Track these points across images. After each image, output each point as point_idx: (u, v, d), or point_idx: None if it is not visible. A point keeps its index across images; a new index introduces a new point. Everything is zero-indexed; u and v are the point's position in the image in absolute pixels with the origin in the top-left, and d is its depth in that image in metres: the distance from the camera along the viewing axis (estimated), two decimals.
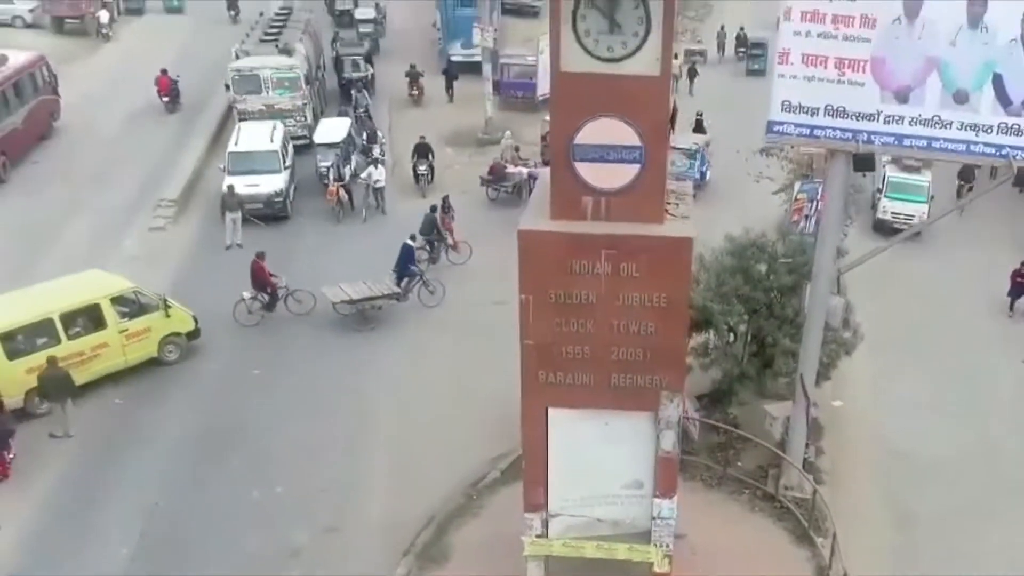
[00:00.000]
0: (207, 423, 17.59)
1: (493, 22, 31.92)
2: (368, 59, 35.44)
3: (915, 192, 26.03)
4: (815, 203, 19.43)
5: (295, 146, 27.98)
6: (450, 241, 23.46)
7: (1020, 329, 21.76)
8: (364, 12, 41.41)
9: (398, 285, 21.16)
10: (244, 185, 24.84)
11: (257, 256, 20.81)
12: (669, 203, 11.29)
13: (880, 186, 26.39)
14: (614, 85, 10.35)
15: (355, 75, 33.97)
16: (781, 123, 12.88)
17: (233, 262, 22.42)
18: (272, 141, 26.35)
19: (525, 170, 26.61)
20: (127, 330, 18.48)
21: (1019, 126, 12.12)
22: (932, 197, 26.05)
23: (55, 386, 16.77)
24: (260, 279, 20.58)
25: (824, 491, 14.53)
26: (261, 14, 36.25)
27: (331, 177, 26.04)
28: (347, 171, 26.53)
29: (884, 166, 26.01)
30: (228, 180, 24.89)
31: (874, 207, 26.42)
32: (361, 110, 31.95)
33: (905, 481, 16.09)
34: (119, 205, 25.92)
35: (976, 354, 20.14)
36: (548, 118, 27.24)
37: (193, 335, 19.60)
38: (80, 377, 17.58)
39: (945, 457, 16.56)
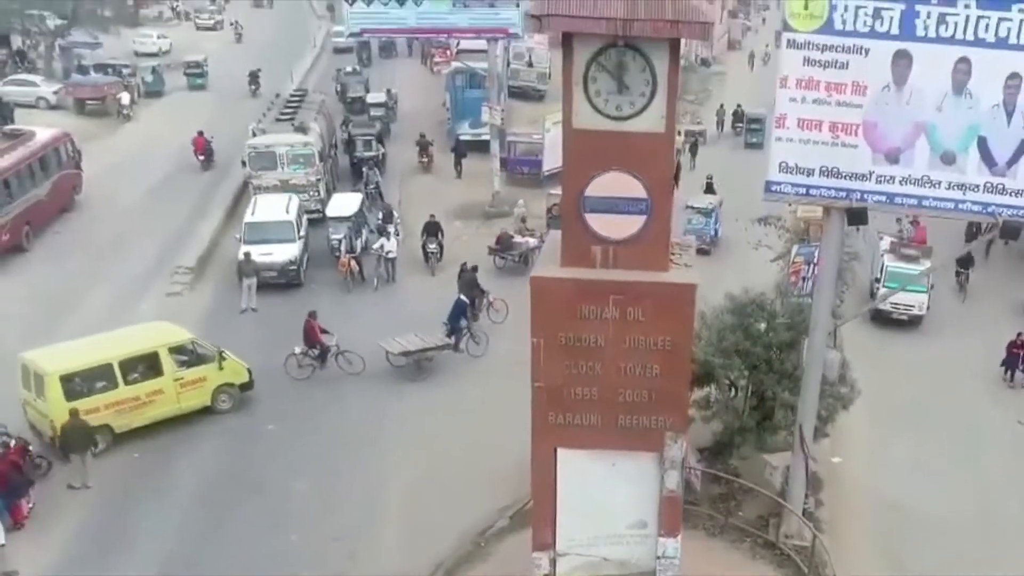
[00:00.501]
0: (227, 473, 18.03)
1: (501, 103, 33.21)
2: (379, 139, 36.57)
3: (914, 282, 25.00)
4: (812, 266, 20.09)
5: (308, 220, 28.74)
6: (490, 299, 24.20)
7: (1016, 395, 22.26)
8: (376, 97, 42.88)
9: (449, 337, 22.22)
10: (259, 254, 25.54)
11: (309, 315, 21.68)
12: (673, 254, 11.95)
13: (878, 276, 25.86)
14: (622, 141, 11.11)
15: (367, 154, 35.00)
16: (779, 183, 13.58)
17: (248, 325, 23.05)
18: (287, 212, 27.17)
19: (532, 240, 27.42)
20: (182, 379, 19.32)
21: (1003, 185, 12.83)
22: (932, 286, 25.76)
23: (76, 438, 17.24)
24: (311, 337, 21.40)
25: (823, 541, 14.86)
26: (277, 95, 37.69)
27: (343, 249, 26.81)
28: (358, 243, 27.32)
29: (882, 255, 26.06)
30: (244, 248, 25.67)
31: (873, 296, 25.53)
32: (372, 187, 32.92)
33: (903, 535, 16.42)
34: (137, 272, 26.67)
35: (973, 417, 20.62)
36: (553, 192, 28.69)
37: (247, 387, 20.36)
38: (134, 421, 18.65)
39: (942, 514, 16.92)
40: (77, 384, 18.16)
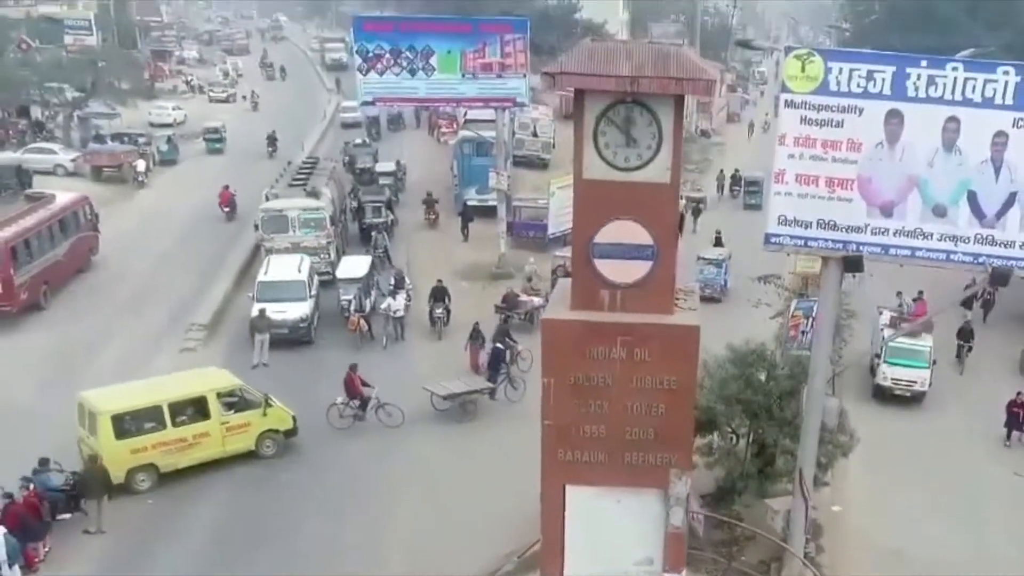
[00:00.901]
0: (240, 519, 18.45)
1: (507, 169, 34.18)
2: (388, 206, 37.32)
3: (916, 357, 25.01)
4: (810, 320, 20.63)
5: (319, 281, 29.30)
6: (518, 349, 24.84)
7: (1015, 453, 22.64)
8: (385, 166, 43.77)
9: (490, 382, 23.67)
10: (272, 311, 26.14)
11: (350, 368, 22.44)
12: (678, 299, 12.49)
13: (879, 351, 25.43)
14: (630, 191, 11.72)
15: (376, 220, 35.65)
16: (778, 235, 14.21)
17: (260, 380, 23.43)
18: (299, 272, 27.88)
19: (537, 300, 28.11)
20: (228, 423, 20.19)
21: (993, 236, 13.46)
22: (934, 362, 25.40)
23: (93, 484, 17.62)
24: (352, 389, 22.10)
25: None
26: (289, 162, 38.74)
27: (352, 308, 27.41)
28: (368, 303, 27.91)
29: (882, 330, 25.80)
30: (258, 305, 26.28)
31: (873, 372, 25.54)
32: (380, 251, 33.62)
33: None
34: (151, 329, 27.30)
35: (972, 472, 20.98)
36: (559, 253, 29.28)
37: (291, 433, 21.11)
38: (180, 462, 19.53)
39: (942, 560, 17.20)
40: (127, 423, 19.12)
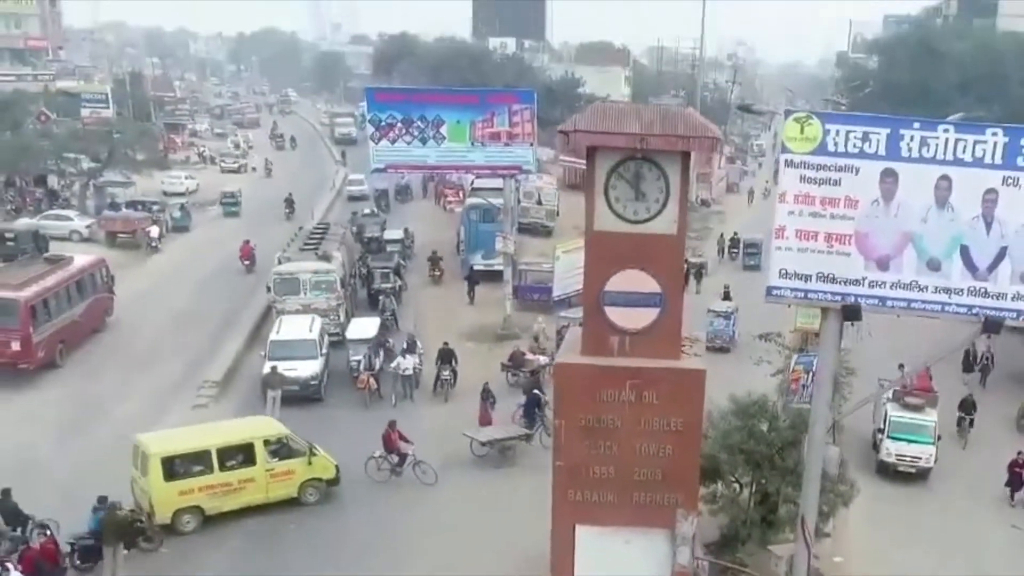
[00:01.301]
0: (253, 569, 18.75)
1: (512, 234, 35.00)
2: (397, 272, 37.98)
3: (921, 432, 24.38)
4: (810, 374, 21.05)
5: (329, 342, 29.91)
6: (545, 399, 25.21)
7: (1018, 512, 22.90)
8: (393, 233, 44.46)
9: (527, 428, 24.44)
10: (283, 369, 26.64)
11: (389, 425, 22.89)
12: (684, 345, 13.07)
13: (882, 426, 24.87)
14: (638, 242, 12.44)
15: (384, 286, 36.24)
16: (779, 288, 14.70)
17: None
18: (311, 331, 28.55)
19: (543, 358, 28.71)
20: (273, 470, 20.89)
21: (986, 289, 13.99)
22: (939, 437, 24.70)
23: (113, 532, 17.93)
24: (389, 445, 22.56)
25: None
26: (301, 228, 39.63)
27: (362, 367, 27.92)
28: (377, 363, 28.42)
29: (884, 404, 25.07)
30: (271, 363, 26.82)
31: (876, 448, 25.02)
32: (387, 314, 34.20)
33: None
34: (164, 386, 27.83)
35: (974, 529, 21.21)
36: (563, 315, 29.88)
37: (333, 482, 21.73)
38: (225, 505, 20.27)
39: None
40: (177, 466, 19.98)
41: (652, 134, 11.82)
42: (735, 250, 48.22)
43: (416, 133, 31.36)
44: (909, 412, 24.75)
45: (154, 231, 44.96)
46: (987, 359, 31.01)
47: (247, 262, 40.94)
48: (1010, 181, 13.87)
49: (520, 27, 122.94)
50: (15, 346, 27.58)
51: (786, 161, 14.50)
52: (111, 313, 33.73)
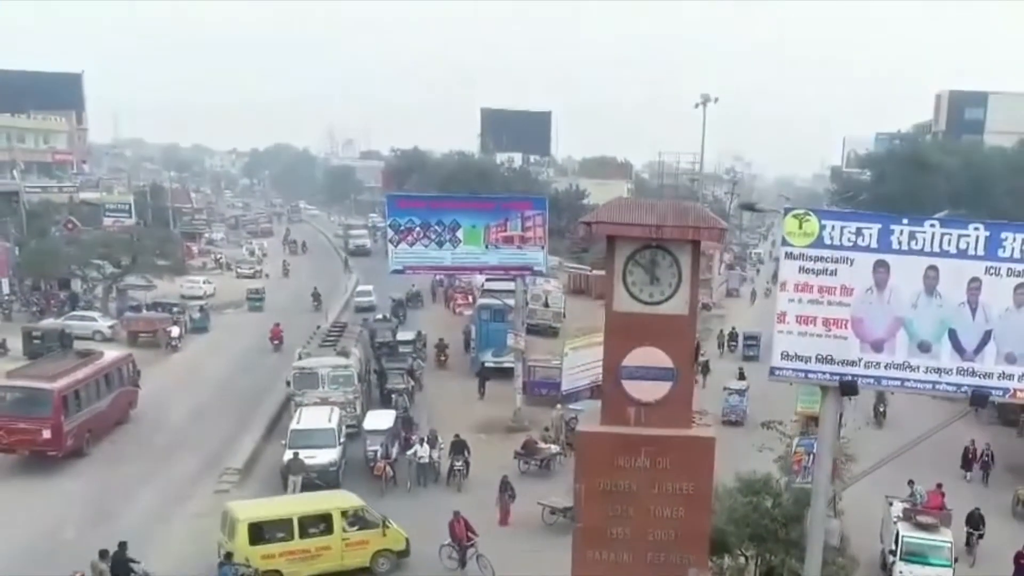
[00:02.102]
0: None
1: (523, 330, 36.39)
2: (411, 373, 38.98)
3: (937, 555, 23.05)
4: (811, 456, 21.98)
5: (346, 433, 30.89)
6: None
7: None
8: (405, 335, 45.38)
9: None
10: (303, 457, 27.67)
11: (454, 515, 23.46)
12: (695, 418, 14.19)
13: (893, 547, 23.46)
14: (653, 322, 13.69)
15: (399, 386, 37.04)
16: (781, 368, 15.87)
17: None
18: (329, 421, 29.66)
19: (554, 447, 30.03)
20: (348, 539, 22.57)
21: (973, 368, 15.17)
22: (956, 559, 23.45)
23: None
24: (455, 533, 23.14)
25: None
26: (319, 327, 41.01)
27: (379, 456, 28.88)
28: (394, 452, 29.37)
29: (895, 523, 24.10)
30: (290, 451, 27.83)
31: (887, 571, 23.75)
32: (400, 411, 35.13)
33: None
34: (187, 474, 28.94)
35: None
36: (572, 407, 30.91)
37: (403, 553, 23.22)
38: (302, 571, 21.95)
39: None
40: (262, 531, 21.80)
41: (666, 225, 13.21)
42: (734, 343, 51.34)
43: (433, 236, 33.11)
44: (922, 532, 23.33)
45: (174, 331, 46.48)
46: (987, 456, 31.67)
47: (276, 342, 45.88)
48: (992, 271, 15.15)
49: (526, 143, 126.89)
50: (46, 434, 28.78)
51: (786, 253, 15.86)
52: (135, 406, 35.04)
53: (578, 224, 14.05)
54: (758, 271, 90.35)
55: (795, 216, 15.76)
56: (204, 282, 63.43)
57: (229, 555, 20.20)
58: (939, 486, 26.03)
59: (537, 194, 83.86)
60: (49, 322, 45.98)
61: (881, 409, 35.81)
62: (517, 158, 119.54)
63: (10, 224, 62.49)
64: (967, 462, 31.73)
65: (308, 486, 27.19)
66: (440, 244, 33.21)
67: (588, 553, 13.68)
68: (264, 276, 72.17)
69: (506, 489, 26.50)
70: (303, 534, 22.01)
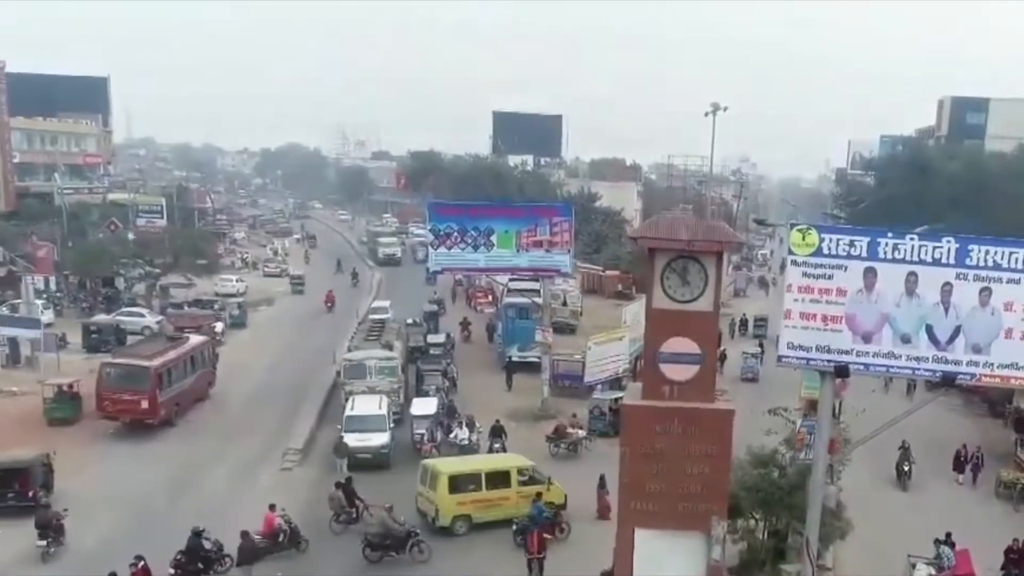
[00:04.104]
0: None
1: (549, 327, 39.70)
2: (445, 373, 40.94)
3: None
4: (812, 435, 25.09)
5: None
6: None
7: None
8: (436, 338, 47.60)
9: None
10: (357, 440, 31.12)
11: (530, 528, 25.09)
12: (717, 394, 17.48)
13: None
14: (684, 317, 16.98)
15: (432, 385, 39.21)
16: (787, 356, 18.99)
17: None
18: (380, 408, 32.94)
19: (581, 432, 33.47)
20: (521, 492, 26.85)
21: (946, 357, 18.32)
22: None
23: (248, 554, 22.20)
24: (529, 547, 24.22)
25: None
26: (360, 321, 44.52)
27: (425, 439, 32.14)
28: (438, 435, 32.63)
29: None
30: (344, 437, 31.20)
31: None
32: (442, 399, 38.17)
33: None
34: (255, 453, 32.59)
35: None
36: (596, 396, 34.05)
37: (562, 506, 27.11)
38: (485, 516, 26.50)
39: None
40: (458, 483, 26.37)
41: (696, 239, 16.50)
42: (744, 328, 58.10)
43: (470, 241, 36.49)
44: None
45: (219, 327, 49.82)
46: (977, 459, 33.69)
47: (329, 304, 59.07)
48: (961, 276, 18.30)
49: (537, 145, 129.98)
50: (144, 404, 33.86)
51: (792, 261, 19.04)
52: (214, 385, 39.85)
53: (627, 237, 17.28)
54: (769, 268, 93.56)
55: (799, 230, 18.94)
56: (237, 280, 66.77)
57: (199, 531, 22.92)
58: (966, 551, 23.20)
59: (550, 196, 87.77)
60: (103, 318, 49.32)
61: (906, 468, 32.16)
62: (529, 160, 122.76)
63: (53, 225, 66.02)
64: (959, 464, 33.61)
65: (356, 466, 30.40)
66: (475, 248, 36.51)
67: (631, 504, 16.96)
68: (288, 276, 75.24)
69: (604, 484, 28.20)
70: (488, 486, 26.63)
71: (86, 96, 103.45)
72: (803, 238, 18.75)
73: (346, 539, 25.57)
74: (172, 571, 22.14)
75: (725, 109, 69.30)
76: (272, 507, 24.90)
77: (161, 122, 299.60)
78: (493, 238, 36.45)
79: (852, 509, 22.87)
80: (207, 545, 23.05)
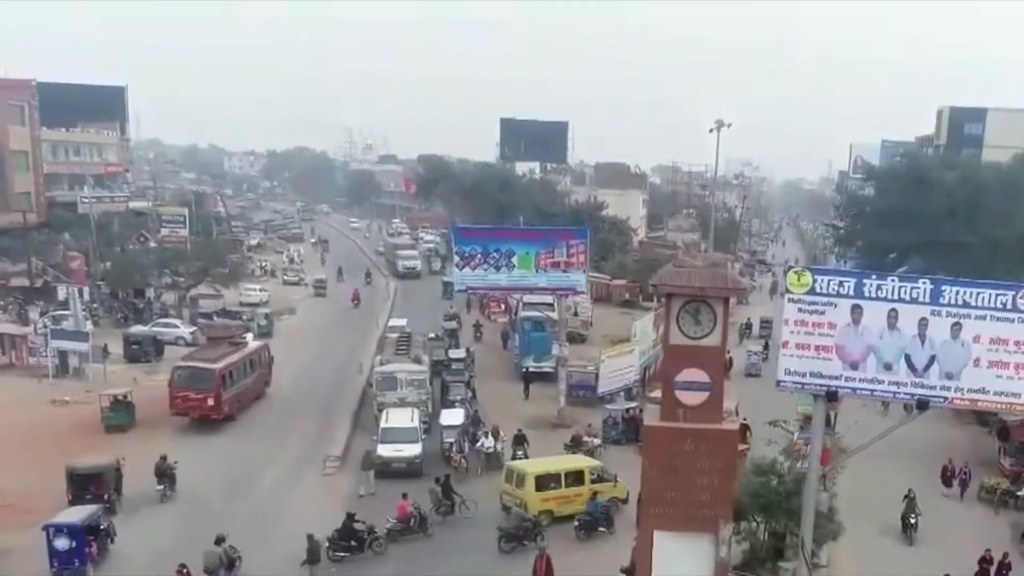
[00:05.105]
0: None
1: (564, 341, 42.65)
2: (468, 384, 44.02)
3: None
4: (808, 446, 27.96)
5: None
6: None
7: None
8: (456, 353, 49.72)
9: None
10: (392, 451, 33.89)
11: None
12: (724, 416, 20.36)
13: None
14: (696, 351, 19.83)
15: (457, 397, 41.92)
16: (785, 380, 21.88)
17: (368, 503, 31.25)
18: (412, 420, 35.63)
19: (596, 440, 36.32)
20: (592, 489, 30.43)
21: (922, 383, 21.13)
22: None
23: (312, 552, 25.41)
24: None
25: None
26: (386, 336, 47.48)
27: (455, 449, 34.92)
28: (466, 445, 35.42)
29: None
30: (380, 448, 33.94)
31: None
32: (468, 410, 40.81)
33: None
34: (299, 456, 35.89)
35: None
36: (608, 407, 36.95)
37: (625, 501, 30.47)
38: (564, 511, 30.05)
39: None
40: (543, 481, 30.16)
41: (706, 286, 19.40)
42: (748, 330, 62.16)
43: (492, 262, 39.46)
44: None
45: (249, 337, 52.33)
46: (964, 475, 35.38)
47: (355, 301, 67.32)
48: (935, 313, 21.03)
49: (543, 152, 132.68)
50: (210, 402, 38.44)
51: (788, 299, 21.87)
52: (270, 384, 44.09)
53: (651, 284, 20.09)
54: (773, 273, 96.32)
55: (795, 272, 21.74)
56: (260, 290, 69.24)
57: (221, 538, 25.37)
58: None
59: (557, 205, 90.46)
60: (141, 329, 52.28)
61: (912, 520, 30.70)
62: (536, 167, 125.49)
63: (83, 236, 68.73)
64: (946, 479, 35.85)
65: (389, 475, 33.14)
66: (498, 268, 39.49)
67: (651, 510, 19.87)
68: (306, 285, 77.95)
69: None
70: (566, 484, 30.38)
71: (104, 105, 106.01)
72: (798, 279, 21.52)
73: (447, 528, 29.93)
74: (327, 545, 26.63)
75: (729, 126, 72.23)
76: (404, 496, 29.36)
77: (165, 123, 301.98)
78: (514, 259, 39.40)
79: (855, 566, 26.01)
80: (359, 527, 27.31)
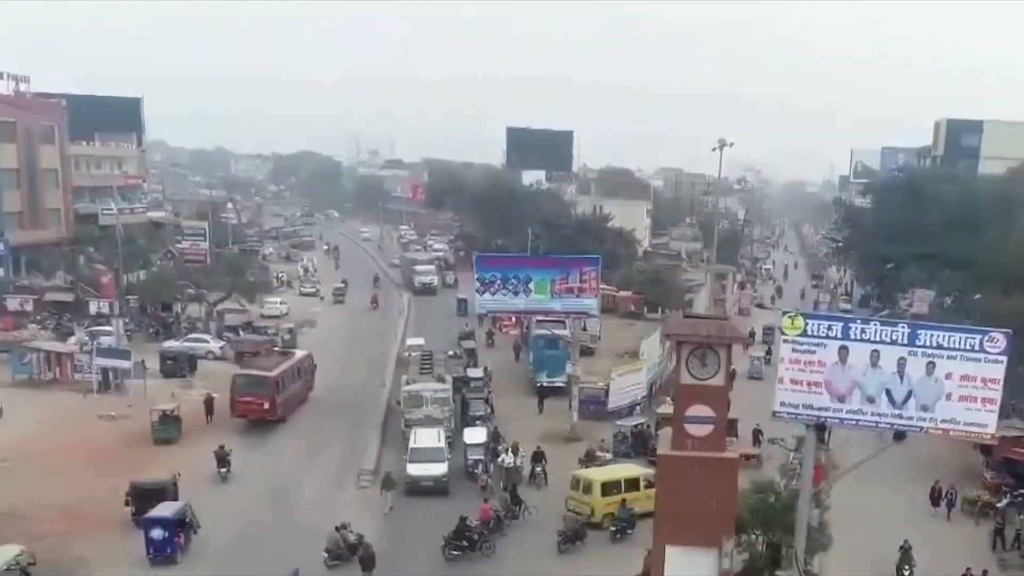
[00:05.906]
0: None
1: (577, 358, 45.66)
2: (487, 400, 46.31)
3: None
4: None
5: None
6: None
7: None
8: (475, 372, 51.16)
9: None
10: (421, 470, 36.41)
11: None
12: (727, 443, 23.33)
13: None
14: (703, 390, 22.84)
15: (478, 413, 44.55)
16: (780, 412, 24.75)
17: (394, 520, 34.30)
18: (439, 440, 38.18)
19: (608, 455, 39.20)
20: (647, 494, 31.93)
21: (901, 414, 23.97)
22: None
23: (367, 559, 28.43)
24: None
25: None
26: (407, 354, 50.41)
27: (480, 469, 37.45)
28: (490, 464, 38.11)
29: None
30: (409, 467, 36.62)
31: None
32: (491, 429, 43.31)
33: None
34: (335, 469, 38.87)
35: None
36: (619, 423, 39.93)
37: None
38: (624, 514, 32.93)
39: None
40: (607, 488, 33.86)
41: (712, 335, 22.44)
42: (751, 337, 62.60)
43: (510, 288, 42.45)
44: None
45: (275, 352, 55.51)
46: (951, 495, 37.39)
47: (374, 304, 75.15)
48: (912, 352, 23.84)
49: (549, 160, 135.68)
50: (266, 406, 43.20)
51: (783, 340, 24.76)
52: (313, 389, 49.29)
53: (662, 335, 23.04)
54: (774, 280, 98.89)
55: (790, 317, 24.54)
56: (280, 303, 71.56)
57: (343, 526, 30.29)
58: None
59: (563, 215, 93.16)
60: (175, 344, 55.24)
61: (907, 571, 30.85)
62: (542, 176, 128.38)
63: (107, 249, 71.19)
64: (934, 499, 37.99)
65: (428, 491, 36.07)
66: (515, 293, 42.56)
67: (664, 527, 22.87)
68: (322, 297, 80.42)
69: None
70: (626, 490, 33.94)
71: (120, 117, 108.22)
72: (792, 323, 24.31)
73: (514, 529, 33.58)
74: (443, 544, 30.49)
75: (731, 144, 74.72)
76: (486, 500, 33.87)
77: (170, 125, 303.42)
78: (531, 285, 42.53)
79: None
80: (472, 524, 31.10)
